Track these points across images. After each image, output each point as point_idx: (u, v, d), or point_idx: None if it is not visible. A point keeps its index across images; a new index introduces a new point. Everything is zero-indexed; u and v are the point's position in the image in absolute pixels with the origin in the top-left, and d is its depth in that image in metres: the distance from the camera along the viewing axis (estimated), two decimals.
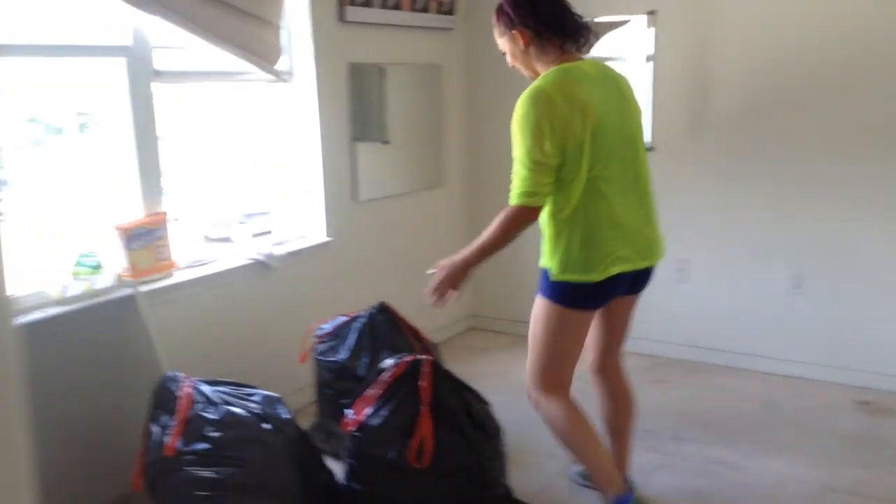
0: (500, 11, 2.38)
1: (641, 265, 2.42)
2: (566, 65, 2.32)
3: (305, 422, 3.15)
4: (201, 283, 3.05)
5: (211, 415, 2.35)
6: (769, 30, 3.70)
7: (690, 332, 4.09)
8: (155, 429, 2.37)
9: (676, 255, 4.03)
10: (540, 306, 2.43)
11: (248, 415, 2.39)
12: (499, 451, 2.55)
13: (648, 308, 4.15)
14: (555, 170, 2.25)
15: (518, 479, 2.74)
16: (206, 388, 2.44)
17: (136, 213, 2.93)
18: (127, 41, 2.83)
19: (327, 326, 3.06)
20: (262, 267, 3.28)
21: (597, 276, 2.31)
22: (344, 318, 3.06)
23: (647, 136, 3.95)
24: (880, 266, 3.63)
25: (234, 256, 3.24)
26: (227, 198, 3.52)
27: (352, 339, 2.95)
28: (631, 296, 2.55)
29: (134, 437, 2.43)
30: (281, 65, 3.34)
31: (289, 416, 2.47)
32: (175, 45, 3.03)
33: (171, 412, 2.37)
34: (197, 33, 2.87)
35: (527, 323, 2.53)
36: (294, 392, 3.34)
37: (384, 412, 2.43)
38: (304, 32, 3.46)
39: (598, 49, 4.13)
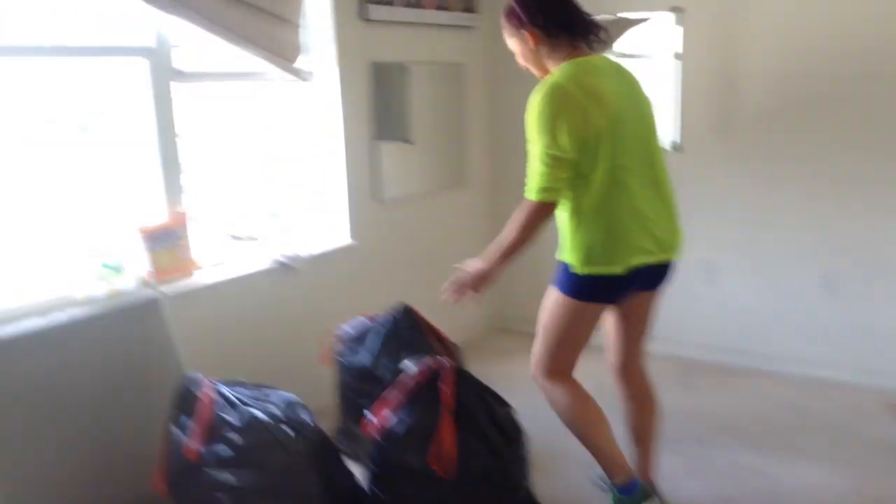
0: (509, 12, 2.39)
1: (662, 258, 2.41)
2: (579, 59, 2.32)
3: (327, 424, 3.13)
4: (224, 285, 3.05)
5: (232, 418, 2.34)
6: (798, 27, 3.62)
7: (718, 335, 4.02)
8: (176, 431, 2.36)
9: (704, 256, 3.97)
10: (555, 298, 2.42)
11: (270, 418, 2.37)
12: (521, 456, 2.51)
13: (675, 309, 4.11)
14: (571, 164, 2.24)
15: (541, 483, 2.70)
16: (226, 390, 2.42)
17: (158, 214, 2.92)
18: (148, 41, 2.82)
19: (349, 328, 3.04)
20: (285, 269, 3.27)
21: (618, 268, 2.30)
22: (365, 320, 3.04)
23: (676, 136, 3.91)
24: None
25: (257, 258, 3.22)
26: (251, 197, 3.51)
27: (373, 341, 2.93)
28: (650, 292, 2.52)
29: (155, 439, 2.43)
30: (302, 64, 3.32)
31: (310, 420, 2.44)
32: (195, 44, 3.01)
33: (192, 414, 2.36)
34: (216, 32, 2.85)
35: None
36: (316, 394, 3.31)
37: (406, 418, 2.40)
38: (326, 31, 3.44)
39: (623, 45, 4.08)
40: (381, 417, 2.45)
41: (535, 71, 2.43)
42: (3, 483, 2.31)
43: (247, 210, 3.49)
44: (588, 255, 2.31)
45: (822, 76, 3.60)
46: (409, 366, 2.53)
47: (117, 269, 2.74)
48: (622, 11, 3.96)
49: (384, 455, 2.43)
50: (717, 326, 4.02)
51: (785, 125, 3.72)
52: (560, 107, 2.23)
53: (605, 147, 2.25)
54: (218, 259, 3.13)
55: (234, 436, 2.30)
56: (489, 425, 2.42)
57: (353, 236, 3.61)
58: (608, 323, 2.60)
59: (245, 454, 2.28)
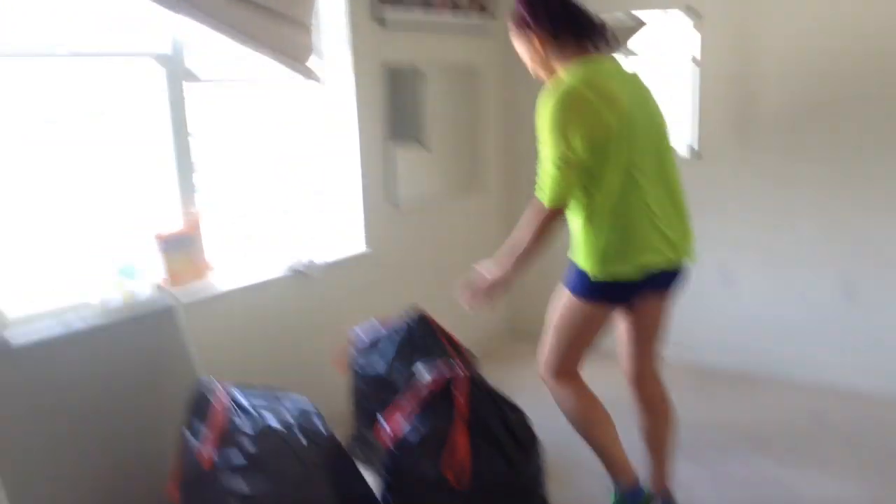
0: (516, 16, 2.41)
1: (674, 259, 2.40)
2: (587, 60, 2.32)
3: (342, 431, 3.12)
4: (239, 291, 3.04)
5: (245, 425, 2.32)
6: (818, 31, 3.58)
7: (736, 341, 3.98)
8: (189, 437, 2.35)
9: (722, 262, 3.94)
10: (567, 299, 2.43)
11: (283, 426, 2.35)
12: (537, 466, 2.49)
13: (691, 315, 4.08)
14: (583, 167, 2.24)
15: (556, 493, 2.67)
16: (240, 396, 2.42)
17: (172, 219, 2.92)
18: (161, 45, 2.82)
19: (363, 334, 3.03)
20: (301, 276, 3.26)
21: (631, 269, 2.31)
22: (379, 326, 3.02)
23: (693, 142, 3.88)
24: None
25: (273, 265, 3.22)
26: (266, 200, 3.51)
27: (388, 348, 2.91)
28: (662, 296, 2.50)
29: (170, 445, 2.43)
30: (316, 67, 3.31)
31: (324, 428, 2.43)
32: (208, 47, 3.01)
33: (205, 420, 2.35)
34: (227, 33, 2.83)
35: None
36: (331, 401, 3.31)
37: (421, 427, 2.38)
38: (340, 34, 3.43)
39: (640, 51, 4.05)
40: (393, 425, 2.44)
41: (542, 73, 2.44)
42: (18, 488, 2.31)
43: (262, 213, 3.49)
44: (601, 256, 2.31)
45: (842, 78, 3.55)
46: (422, 372, 2.52)
47: (132, 275, 2.74)
48: (635, 9, 3.92)
49: (397, 463, 2.41)
50: (735, 333, 3.98)
51: (804, 128, 3.67)
52: (573, 110, 2.23)
53: (620, 147, 2.25)
54: (232, 261, 3.12)
55: (247, 443, 2.29)
56: (504, 433, 2.40)
57: (367, 242, 3.60)
58: (620, 330, 2.59)
59: (258, 462, 2.27)
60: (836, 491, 2.86)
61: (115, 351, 2.59)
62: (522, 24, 2.39)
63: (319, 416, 2.47)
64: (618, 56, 2.50)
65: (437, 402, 2.42)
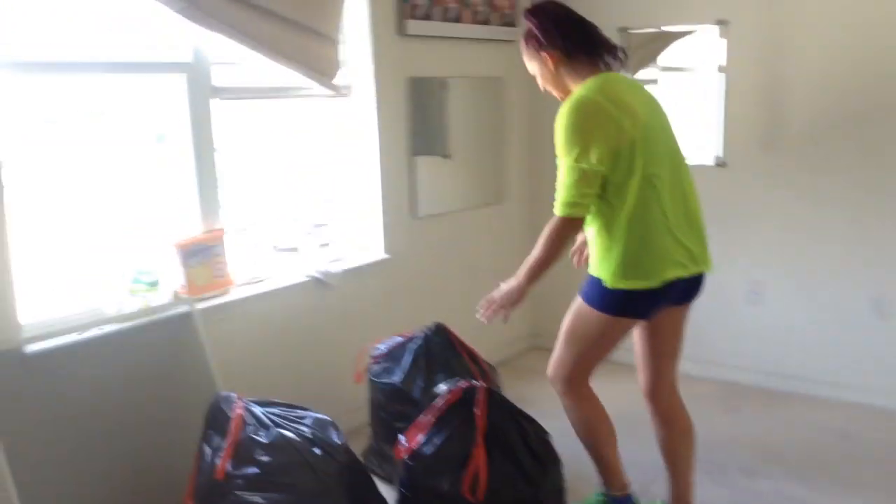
0: (528, 35, 2.41)
1: (694, 270, 2.38)
2: (601, 75, 2.34)
3: (360, 443, 3.09)
4: (258, 300, 3.03)
5: (261, 438, 2.31)
6: (845, 38, 3.51)
7: (764, 358, 3.89)
8: (207, 449, 2.34)
9: (749, 276, 3.86)
10: (584, 312, 2.39)
11: (299, 439, 2.33)
12: (557, 484, 2.44)
13: (719, 331, 4.01)
14: (600, 179, 2.24)
15: None
16: (257, 410, 2.40)
17: (193, 229, 2.92)
18: (186, 58, 2.83)
19: (382, 347, 3.00)
20: (319, 284, 3.25)
21: (654, 282, 2.28)
22: (399, 339, 2.99)
23: (719, 151, 3.82)
24: None
25: (291, 273, 3.21)
26: (290, 210, 3.52)
27: (407, 360, 2.88)
28: (680, 308, 2.47)
29: (188, 456, 2.41)
30: (340, 79, 3.31)
31: (340, 441, 2.40)
32: (234, 61, 3.02)
33: (223, 433, 2.34)
34: (255, 49, 2.85)
35: None
36: (349, 412, 3.29)
37: (437, 441, 2.35)
38: (363, 46, 3.43)
39: (666, 58, 4.01)
40: (409, 437, 2.40)
41: (555, 92, 2.45)
42: (32, 496, 2.31)
43: (286, 222, 3.50)
44: (622, 269, 2.27)
45: (872, 88, 3.48)
46: (444, 390, 2.48)
47: (152, 284, 2.74)
48: (667, 25, 3.90)
49: (413, 476, 2.38)
50: (762, 349, 3.89)
51: (833, 139, 3.59)
52: (591, 120, 2.23)
53: (638, 156, 2.24)
54: (256, 275, 3.12)
55: (262, 456, 2.27)
56: (522, 448, 2.36)
57: (388, 252, 3.57)
58: (637, 343, 2.55)
59: (273, 475, 2.25)
60: None
61: (131, 359, 2.59)
62: (534, 44, 2.40)
63: (336, 427, 2.45)
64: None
65: (455, 415, 2.39)
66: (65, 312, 2.56)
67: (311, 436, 2.36)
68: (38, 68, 2.53)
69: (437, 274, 3.87)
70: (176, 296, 2.79)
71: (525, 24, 2.42)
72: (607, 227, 2.29)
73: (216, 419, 2.38)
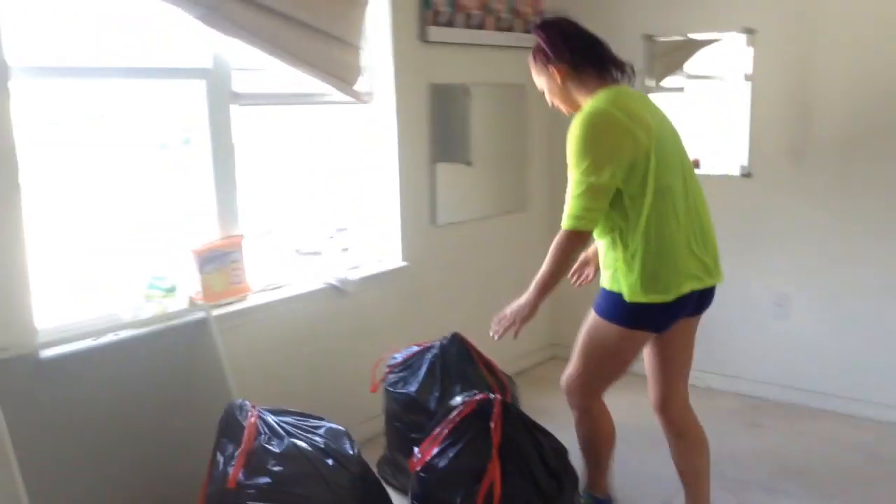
0: (536, 50, 2.42)
1: (708, 283, 2.38)
2: (614, 87, 2.33)
3: (375, 453, 3.06)
4: (274, 307, 3.02)
5: (274, 447, 2.29)
6: (876, 46, 3.42)
7: (789, 373, 3.81)
8: (220, 458, 2.33)
9: (775, 289, 3.79)
10: (601, 326, 2.38)
11: (312, 449, 2.31)
12: (573, 500, 2.39)
13: (744, 345, 3.94)
14: (609, 193, 2.22)
15: None
16: (271, 419, 2.38)
17: (212, 235, 2.92)
18: (206, 63, 2.83)
19: (398, 356, 2.97)
20: (336, 292, 3.23)
21: (671, 296, 2.26)
22: (416, 349, 2.96)
23: (744, 161, 3.75)
24: None
25: (308, 280, 3.19)
26: (313, 215, 3.52)
27: (423, 370, 2.85)
28: (692, 319, 2.45)
29: (201, 463, 2.40)
30: (361, 86, 3.30)
31: (354, 452, 2.37)
32: (254, 67, 3.02)
33: (236, 442, 2.32)
34: (275, 55, 2.85)
35: None
36: (364, 421, 3.27)
37: (451, 454, 2.31)
38: (385, 53, 3.41)
39: (692, 66, 3.95)
40: (423, 449, 2.37)
41: (564, 107, 2.45)
42: (48, 502, 2.31)
43: (310, 226, 3.50)
44: (642, 283, 2.25)
45: None
46: (459, 402, 2.45)
47: (169, 290, 2.73)
48: (693, 33, 3.84)
49: (426, 490, 2.34)
50: (787, 363, 3.81)
51: (862, 149, 3.51)
52: (605, 132, 2.22)
53: (653, 168, 2.23)
54: (273, 281, 3.10)
55: (275, 466, 2.25)
56: (539, 466, 2.31)
57: (406, 259, 3.55)
58: (647, 357, 2.53)
59: (285, 485, 2.23)
60: None
61: (147, 365, 2.59)
62: (542, 58, 2.40)
63: (350, 438, 2.43)
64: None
65: (469, 428, 2.35)
66: (80, 317, 2.56)
67: (324, 446, 2.33)
68: (57, 73, 2.54)
69: (456, 282, 3.83)
70: (192, 302, 2.79)
71: (534, 39, 2.43)
72: (623, 239, 2.27)
73: (230, 427, 2.37)
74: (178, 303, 2.74)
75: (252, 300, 2.98)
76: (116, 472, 2.49)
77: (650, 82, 3.93)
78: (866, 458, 3.26)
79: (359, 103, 3.36)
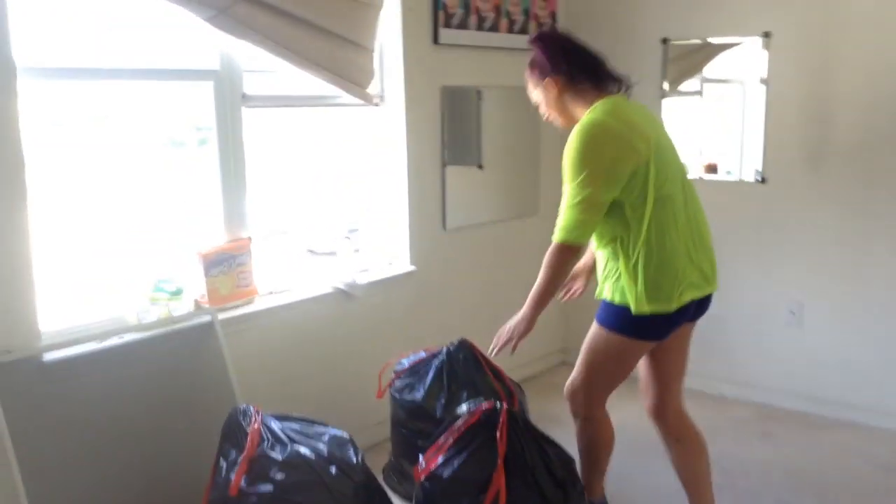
0: (533, 63, 2.42)
1: (707, 290, 2.39)
2: (610, 97, 2.33)
3: (381, 459, 3.04)
4: (281, 311, 3.00)
5: (277, 454, 2.27)
6: (894, 53, 3.36)
7: (803, 382, 3.75)
8: (223, 463, 2.31)
9: (789, 297, 3.73)
10: (604, 336, 2.38)
11: (315, 457, 2.29)
12: None
13: (757, 352, 3.88)
14: (604, 207, 2.22)
15: None
16: (275, 425, 2.36)
17: (219, 238, 2.90)
18: (213, 65, 2.81)
19: (405, 362, 2.94)
20: (343, 296, 3.20)
21: (673, 306, 2.27)
22: (423, 355, 2.93)
23: (759, 166, 3.69)
24: None
25: (316, 284, 3.17)
26: (324, 216, 3.50)
27: (429, 377, 2.82)
28: (688, 325, 2.46)
29: (205, 468, 2.38)
30: (373, 88, 3.27)
31: (357, 460, 2.35)
32: (265, 68, 3.00)
33: (239, 448, 2.30)
34: (286, 58, 2.82)
35: None
36: (371, 426, 3.25)
37: (456, 463, 2.28)
38: (396, 56, 3.38)
39: (708, 70, 3.90)
40: (428, 458, 2.34)
41: (559, 120, 2.45)
42: None
43: (323, 227, 3.49)
44: (646, 294, 2.25)
45: None
46: (465, 411, 2.42)
47: (175, 293, 2.72)
48: (711, 36, 3.79)
49: (431, 500, 2.31)
50: (803, 373, 3.75)
51: (879, 156, 3.45)
52: (603, 144, 2.22)
53: (652, 177, 2.23)
54: (280, 285, 3.08)
55: (277, 474, 2.23)
56: (545, 477, 2.28)
57: (414, 263, 3.52)
58: (643, 364, 2.53)
59: (287, 493, 2.21)
60: None
61: (151, 368, 2.58)
62: (540, 70, 2.40)
63: (353, 445, 2.40)
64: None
65: (475, 437, 2.32)
66: (85, 320, 2.55)
67: (327, 454, 2.31)
68: (62, 74, 2.53)
69: (465, 288, 3.80)
70: (197, 305, 2.77)
71: (531, 51, 2.43)
72: (625, 249, 2.27)
73: (233, 433, 2.35)
74: (183, 306, 2.72)
75: (259, 304, 2.96)
76: (120, 476, 2.48)
77: (666, 86, 3.89)
78: (882, 469, 3.20)
79: (370, 106, 3.34)
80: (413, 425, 2.79)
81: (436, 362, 2.84)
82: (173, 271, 2.78)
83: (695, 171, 3.89)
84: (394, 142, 3.45)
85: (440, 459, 2.31)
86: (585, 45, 2.41)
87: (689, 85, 3.96)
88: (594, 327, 2.42)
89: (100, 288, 2.69)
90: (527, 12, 3.90)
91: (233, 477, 2.23)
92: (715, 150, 3.94)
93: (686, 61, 3.94)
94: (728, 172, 3.86)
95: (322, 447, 2.33)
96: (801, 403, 3.75)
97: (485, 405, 2.36)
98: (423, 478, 2.32)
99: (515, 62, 3.91)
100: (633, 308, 2.26)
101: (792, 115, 3.63)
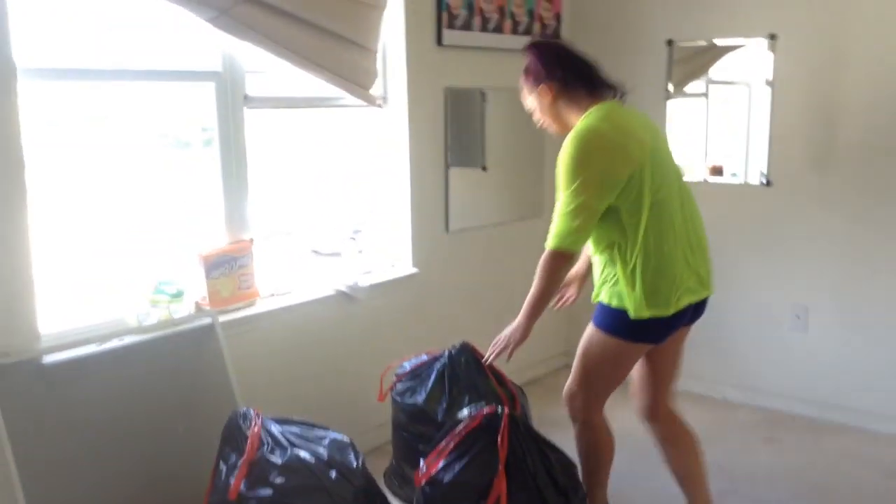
0: (527, 70, 2.43)
1: (703, 295, 2.41)
2: (605, 103, 2.33)
3: (382, 462, 3.02)
4: (282, 313, 2.98)
5: (276, 458, 2.25)
6: None
7: (807, 386, 3.72)
8: (222, 467, 2.30)
9: (794, 301, 3.71)
10: (601, 339, 2.38)
11: (315, 461, 2.27)
12: None
13: (761, 356, 3.86)
14: (598, 214, 2.22)
15: None
16: (275, 429, 2.35)
17: (220, 240, 2.89)
18: (215, 66, 2.80)
19: (407, 365, 2.92)
20: (345, 298, 3.19)
21: (671, 310, 2.28)
22: (424, 358, 2.91)
23: (764, 169, 3.67)
24: None
25: (318, 286, 3.16)
26: (328, 217, 3.49)
27: (431, 380, 2.80)
28: (684, 329, 2.46)
29: (205, 471, 2.37)
30: (376, 90, 3.26)
31: (358, 465, 2.34)
32: (268, 69, 2.99)
33: (239, 451, 2.29)
34: (288, 59, 2.81)
35: None
36: (373, 429, 3.23)
37: (457, 468, 2.26)
38: (399, 57, 3.37)
39: (713, 71, 3.88)
40: (428, 462, 2.32)
41: (554, 126, 2.45)
42: None
43: (327, 228, 3.48)
44: (645, 299, 2.25)
45: None
46: (466, 415, 2.40)
47: (175, 296, 2.71)
48: (716, 37, 3.77)
49: (430, 502, 2.29)
50: (808, 378, 3.72)
51: (886, 159, 3.42)
52: (597, 151, 2.22)
53: (648, 182, 2.23)
54: (282, 287, 3.07)
55: (277, 478, 2.21)
56: (547, 482, 2.25)
57: (416, 266, 3.50)
58: (636, 367, 2.53)
59: (287, 497, 2.19)
60: None
61: (151, 371, 2.56)
62: (534, 77, 2.40)
63: (354, 449, 2.39)
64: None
65: (476, 442, 2.30)
66: (85, 322, 2.54)
67: (327, 458, 2.30)
68: (63, 75, 2.52)
69: (467, 290, 3.78)
70: (198, 307, 2.76)
71: (526, 58, 2.44)
72: (622, 255, 2.27)
73: (233, 436, 2.34)
74: (184, 308, 2.71)
75: (260, 306, 2.95)
76: (119, 479, 2.47)
77: (671, 87, 3.86)
78: (886, 476, 3.17)
79: (373, 107, 3.32)
80: (414, 429, 2.77)
81: (437, 365, 2.82)
82: (174, 273, 2.76)
83: (700, 174, 3.87)
84: (397, 143, 3.44)
85: (441, 464, 2.29)
86: (580, 52, 2.41)
87: (694, 87, 3.94)
88: (590, 330, 2.42)
89: (100, 290, 2.68)
90: (531, 13, 3.89)
91: (232, 481, 2.22)
92: (720, 153, 3.92)
93: (691, 63, 3.91)
94: (733, 175, 3.84)
95: (322, 451, 2.32)
96: (806, 408, 3.72)
97: (486, 409, 2.34)
98: (423, 482, 2.30)
99: (520, 64, 3.89)
100: (631, 313, 2.26)
101: (798, 118, 3.61)
